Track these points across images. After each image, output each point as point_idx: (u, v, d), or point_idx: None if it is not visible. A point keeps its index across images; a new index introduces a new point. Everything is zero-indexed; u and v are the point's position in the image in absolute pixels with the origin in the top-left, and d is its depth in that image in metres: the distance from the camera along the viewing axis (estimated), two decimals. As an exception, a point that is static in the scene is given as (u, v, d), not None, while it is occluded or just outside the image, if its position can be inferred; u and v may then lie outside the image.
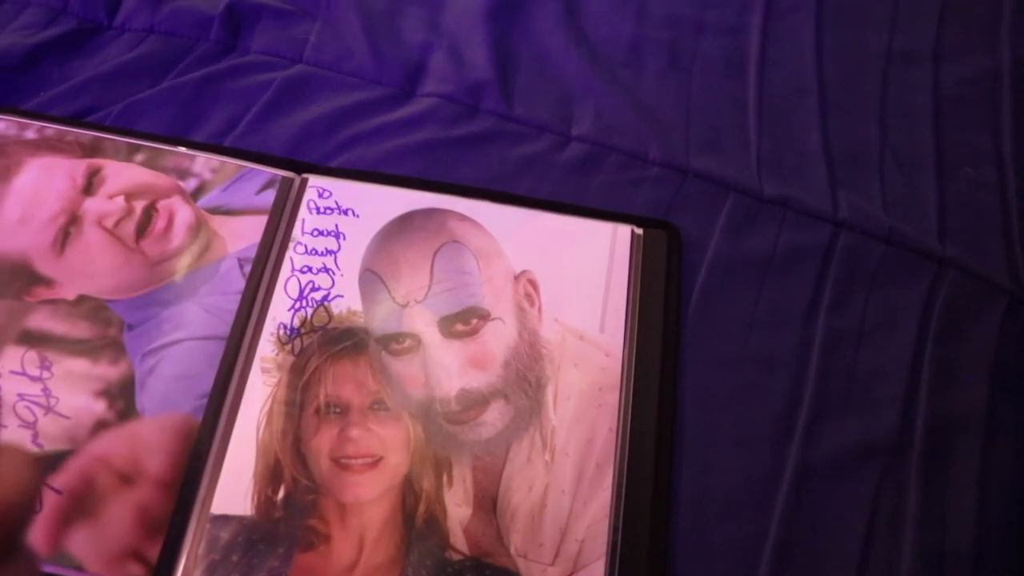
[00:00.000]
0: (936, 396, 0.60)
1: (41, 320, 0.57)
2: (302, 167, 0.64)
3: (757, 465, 0.58)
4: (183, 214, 0.61)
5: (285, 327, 0.58)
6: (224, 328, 0.58)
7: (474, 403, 0.57)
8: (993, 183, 0.71)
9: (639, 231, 0.64)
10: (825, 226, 0.66)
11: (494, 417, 0.57)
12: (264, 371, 0.57)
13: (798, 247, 0.65)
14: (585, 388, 0.58)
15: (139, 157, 0.63)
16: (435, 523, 0.54)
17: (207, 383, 0.56)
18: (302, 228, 0.62)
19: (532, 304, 0.60)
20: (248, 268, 0.60)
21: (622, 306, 0.61)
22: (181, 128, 0.67)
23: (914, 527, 0.56)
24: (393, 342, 0.58)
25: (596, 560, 0.53)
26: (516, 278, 0.61)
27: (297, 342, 0.58)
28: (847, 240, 0.66)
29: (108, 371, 0.56)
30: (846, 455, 0.58)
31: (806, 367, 0.61)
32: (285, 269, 0.60)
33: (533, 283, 0.61)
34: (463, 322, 0.59)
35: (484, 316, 0.59)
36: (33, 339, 0.57)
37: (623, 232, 0.63)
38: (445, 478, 0.55)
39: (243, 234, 0.61)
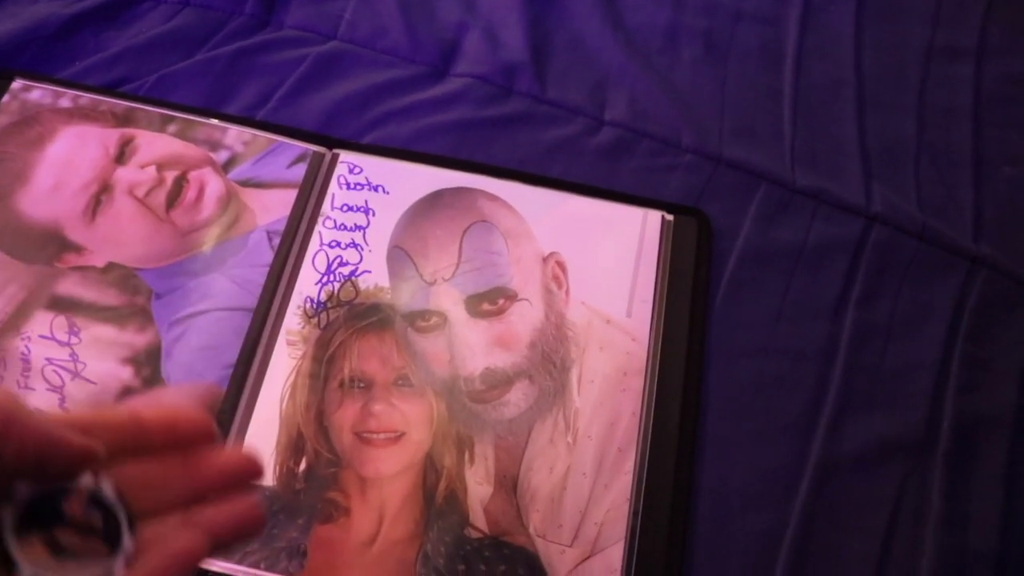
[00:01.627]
0: (964, 395, 0.61)
1: (71, 286, 0.58)
2: (333, 143, 0.65)
3: (779, 457, 0.58)
4: (214, 185, 0.62)
5: (312, 301, 0.59)
6: (251, 300, 0.59)
7: (498, 382, 0.58)
8: (1032, 182, 0.71)
9: (669, 217, 0.64)
10: (858, 220, 0.67)
11: (518, 397, 0.57)
12: (290, 344, 0.58)
13: (829, 240, 0.66)
14: (610, 372, 0.59)
15: (171, 128, 0.64)
16: (455, 500, 0.55)
17: (232, 354, 0.57)
18: (332, 203, 0.62)
19: (560, 286, 0.61)
20: (277, 241, 0.60)
21: (650, 292, 0.61)
22: (214, 101, 0.68)
23: (936, 526, 0.56)
24: (419, 319, 0.59)
25: (614, 544, 0.54)
26: (544, 260, 0.62)
27: (323, 316, 0.59)
28: (879, 235, 0.66)
29: (135, 338, 0.57)
30: (870, 451, 0.59)
31: (833, 361, 0.61)
32: (314, 243, 0.61)
33: (561, 265, 0.62)
34: (490, 301, 0.60)
35: (511, 296, 0.60)
36: (62, 305, 0.58)
37: (653, 218, 0.64)
38: (467, 456, 0.56)
39: (273, 207, 0.62)
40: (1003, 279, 0.65)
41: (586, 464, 0.56)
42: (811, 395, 0.60)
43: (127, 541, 0.31)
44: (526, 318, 0.60)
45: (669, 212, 0.65)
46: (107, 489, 0.31)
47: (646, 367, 0.59)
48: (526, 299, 0.60)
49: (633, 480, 0.56)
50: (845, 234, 0.66)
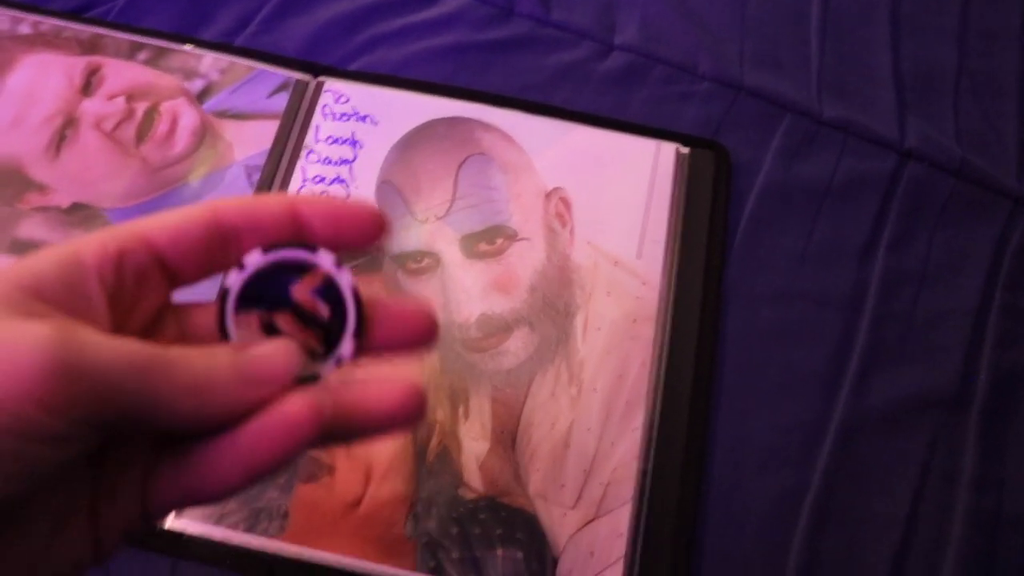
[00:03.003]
0: (1002, 348, 0.55)
1: (33, 228, 0.53)
2: (318, 69, 0.59)
3: (801, 413, 0.53)
4: (188, 117, 0.56)
5: (294, 242, 0.53)
6: (228, 240, 0.53)
7: (496, 329, 0.52)
8: (1081, 115, 0.64)
9: (685, 150, 0.58)
10: (890, 155, 0.60)
11: (517, 346, 0.52)
12: (269, 289, 0.52)
13: (859, 176, 0.59)
14: (618, 318, 0.53)
15: (142, 56, 0.58)
16: (448, 458, 0.49)
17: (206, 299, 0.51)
18: (316, 135, 0.56)
19: (564, 225, 0.55)
20: (256, 177, 0.55)
21: (663, 231, 0.55)
22: (188, 26, 0.61)
23: (969, 488, 0.51)
24: (410, 261, 0.53)
25: (622, 506, 0.49)
26: (547, 196, 0.56)
27: (306, 258, 0.53)
28: (913, 171, 0.59)
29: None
30: (899, 407, 0.53)
31: (861, 308, 0.55)
32: (296, 179, 0.55)
33: (566, 202, 0.56)
34: (487, 241, 0.54)
35: (510, 236, 0.54)
36: (24, 248, 0.52)
37: (667, 151, 0.58)
38: (461, 410, 0.50)
39: (252, 140, 0.56)
40: (1048, 221, 0.59)
41: (591, 419, 0.50)
42: (836, 346, 0.54)
43: (347, 345, 0.29)
44: (526, 259, 0.54)
45: (684, 144, 0.58)
46: (345, 280, 0.29)
47: (657, 313, 0.53)
48: (526, 239, 0.54)
49: (642, 437, 0.50)
50: (876, 170, 0.59)
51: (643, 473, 0.49)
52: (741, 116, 0.61)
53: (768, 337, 0.55)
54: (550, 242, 0.54)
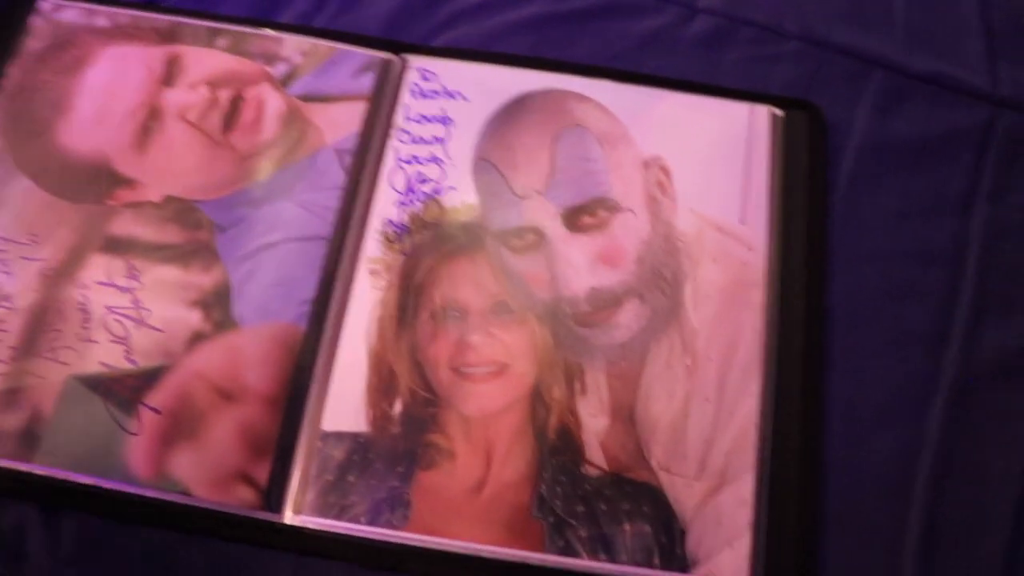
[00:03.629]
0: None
1: (126, 225, 0.50)
2: (401, 47, 0.56)
3: (913, 369, 0.50)
4: (273, 102, 0.53)
5: (393, 224, 0.50)
6: (325, 227, 0.50)
7: (606, 303, 0.49)
8: None
9: (779, 112, 0.55)
10: (983, 105, 0.57)
11: (629, 318, 0.49)
12: (372, 273, 0.49)
13: (953, 129, 0.56)
14: (726, 285, 0.50)
15: (221, 42, 0.55)
16: (568, 435, 0.47)
17: (309, 288, 0.49)
18: (406, 114, 0.53)
19: (665, 193, 0.52)
20: (348, 160, 0.52)
21: (764, 195, 0.52)
22: (265, 10, 0.58)
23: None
24: (514, 238, 0.50)
25: (744, 473, 0.46)
26: (646, 165, 0.53)
27: (407, 240, 0.50)
28: (1009, 120, 0.56)
29: (201, 278, 0.49)
30: (1011, 360, 0.50)
31: (964, 262, 0.53)
32: (389, 160, 0.52)
33: (665, 170, 0.53)
34: (590, 214, 0.51)
35: (613, 208, 0.51)
36: (119, 246, 0.50)
37: (761, 113, 0.55)
38: (577, 386, 0.48)
39: (340, 123, 0.53)
40: None
41: (708, 388, 0.48)
42: (943, 301, 0.52)
43: None
44: (631, 230, 0.51)
45: (776, 106, 0.55)
46: None
47: (765, 278, 0.50)
48: (629, 209, 0.51)
49: (760, 403, 0.47)
50: (970, 122, 0.56)
51: (763, 439, 0.47)
52: (831, 75, 0.58)
53: (874, 295, 0.52)
54: (653, 211, 0.51)
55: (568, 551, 0.45)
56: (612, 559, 0.44)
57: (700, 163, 0.53)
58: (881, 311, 0.51)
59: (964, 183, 0.55)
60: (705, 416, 0.47)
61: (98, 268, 0.49)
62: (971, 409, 0.49)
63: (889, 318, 0.51)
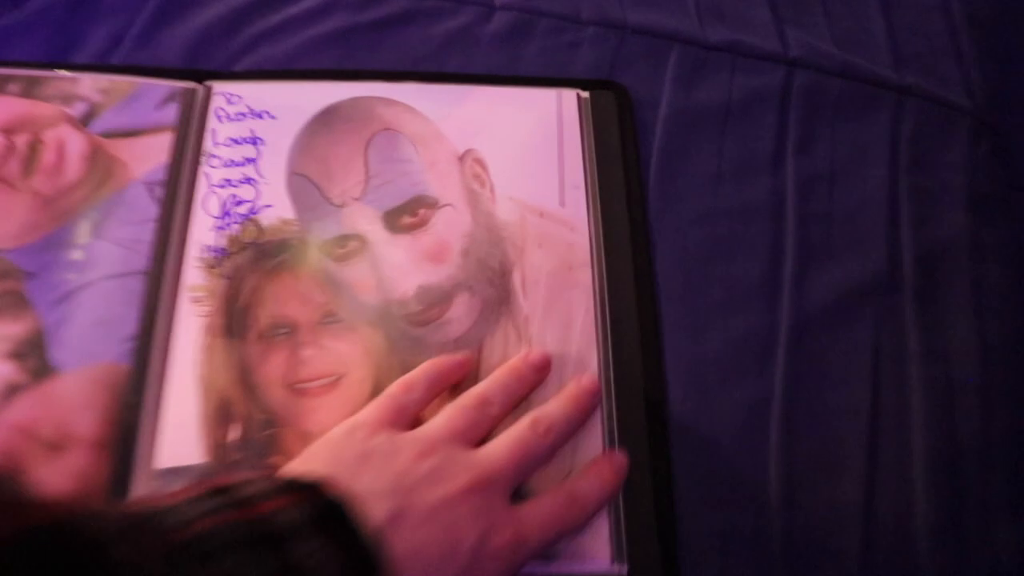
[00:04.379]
0: (918, 228, 0.53)
1: (-72, 282, 0.46)
2: (203, 75, 0.53)
3: (750, 323, 0.49)
4: (75, 142, 0.49)
5: (212, 249, 0.47)
6: (142, 261, 0.47)
7: (436, 300, 0.47)
8: (937, 5, 0.63)
9: (585, 94, 0.54)
10: (778, 67, 0.57)
11: (461, 312, 0.47)
12: (195, 301, 0.46)
13: (753, 92, 0.56)
14: (554, 268, 0.48)
15: (13, 88, 0.51)
16: (414, 436, 0.44)
17: (131, 324, 0.45)
18: (214, 139, 0.50)
19: (483, 184, 0.50)
20: (160, 191, 0.48)
21: (580, 175, 0.51)
22: (58, 52, 0.54)
23: (918, 364, 0.49)
24: (336, 247, 0.48)
25: (593, 452, 0.44)
26: (461, 159, 0.51)
27: (228, 263, 0.47)
28: (802, 79, 0.57)
29: (11, 328, 0.44)
30: (840, 300, 0.50)
31: (783, 214, 0.53)
32: (201, 186, 0.49)
33: (480, 162, 0.51)
34: (410, 213, 0.49)
35: (432, 204, 0.49)
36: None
37: (568, 97, 0.53)
38: (417, 386, 0.45)
39: (148, 155, 0.49)
40: (932, 106, 0.57)
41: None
42: (768, 253, 0.51)
43: None
44: (453, 225, 0.49)
45: (582, 89, 0.54)
46: None
47: (592, 256, 0.49)
48: (449, 204, 0.49)
49: (600, 381, 0.46)
50: (768, 84, 0.56)
51: (608, 417, 0.45)
52: (631, 55, 0.57)
53: (703, 257, 0.51)
54: (473, 204, 0.50)
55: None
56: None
57: (514, 151, 0.51)
58: (710, 270, 0.50)
59: (772, 140, 0.55)
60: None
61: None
62: (810, 353, 0.48)
63: (719, 276, 0.50)
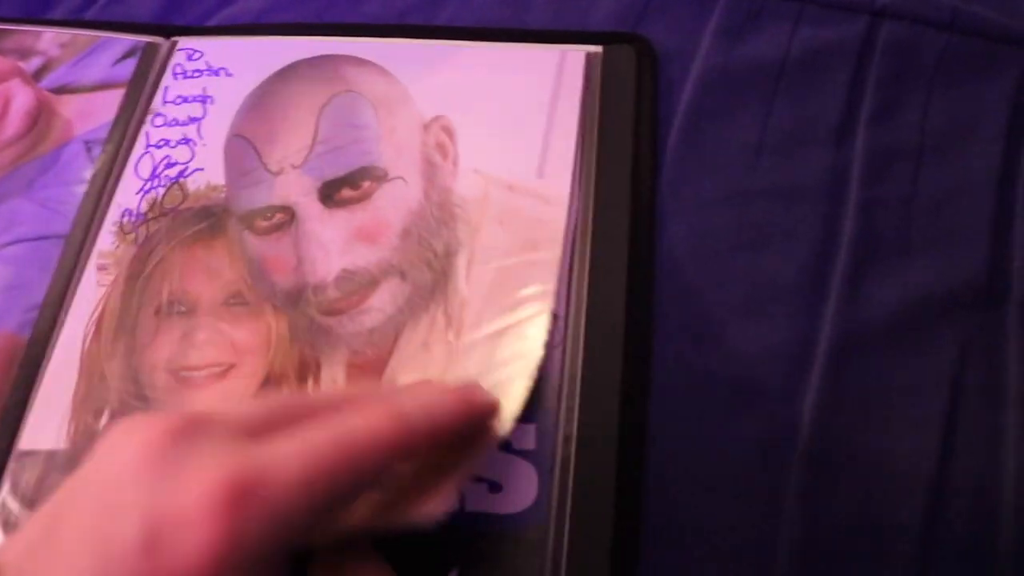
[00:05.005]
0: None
1: None
2: (172, 31, 0.46)
3: (777, 336, 0.36)
4: (21, 98, 0.44)
5: (131, 213, 0.41)
6: (65, 224, 0.41)
7: (358, 286, 0.37)
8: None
9: (596, 50, 0.43)
10: (858, 18, 0.43)
11: (384, 300, 0.37)
12: (100, 269, 0.40)
13: (821, 46, 0.42)
14: (512, 247, 0.38)
15: (-24, 43, 0.47)
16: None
17: (40, 292, 0.40)
18: (164, 97, 0.44)
19: (445, 156, 0.40)
20: (98, 151, 0.43)
21: (571, 142, 0.40)
22: (36, 7, 0.50)
23: (1018, 406, 0.34)
24: (259, 219, 0.39)
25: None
26: (426, 127, 0.41)
27: (143, 230, 0.40)
28: (892, 33, 0.42)
29: (-80, 289, 0.40)
30: (909, 311, 0.36)
31: (842, 197, 0.39)
32: (139, 146, 0.43)
33: (447, 130, 0.41)
34: (351, 186, 0.39)
35: (379, 177, 0.40)
36: None
37: (574, 56, 0.42)
38: (310, 381, 0.36)
39: (94, 112, 0.44)
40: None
41: (473, 366, 0.35)
42: (814, 245, 0.38)
43: None
44: (399, 200, 0.39)
45: (597, 44, 0.43)
46: None
47: (566, 232, 0.38)
48: (399, 177, 0.40)
49: (560, 386, 0.35)
50: (842, 37, 0.42)
51: (555, 445, 0.34)
52: (666, 2, 0.45)
53: (725, 246, 0.38)
54: (428, 177, 0.40)
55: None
56: None
57: (493, 117, 0.41)
58: (734, 264, 0.38)
59: (839, 106, 0.41)
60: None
61: None
62: (856, 381, 0.35)
63: (743, 273, 0.38)
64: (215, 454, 0.23)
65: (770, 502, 0.33)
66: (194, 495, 0.22)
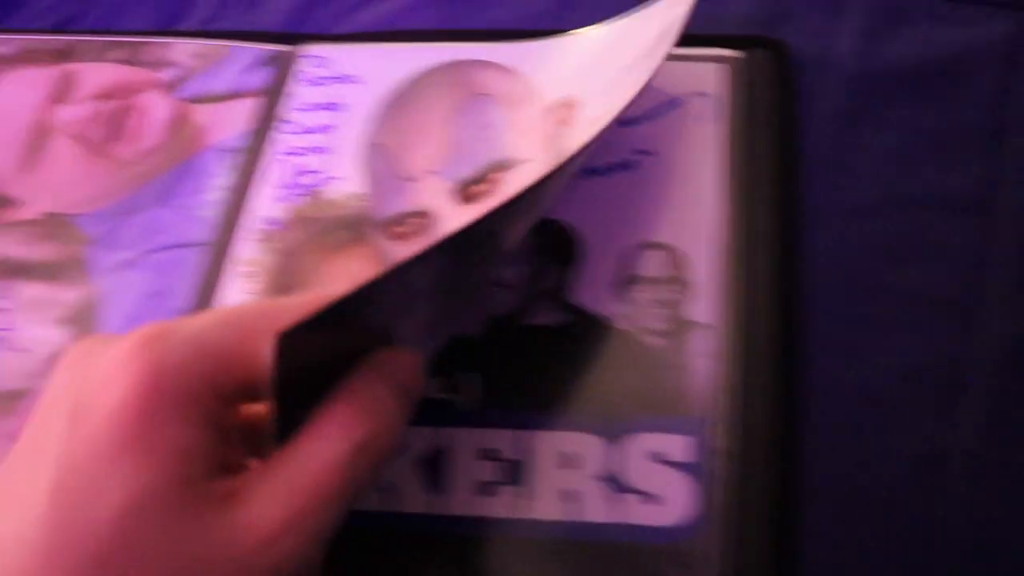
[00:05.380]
0: None
1: (5, 245, 0.42)
2: (300, 39, 0.46)
3: (927, 352, 0.34)
4: (159, 109, 0.44)
5: (270, 221, 0.40)
6: (204, 231, 0.40)
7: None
8: None
9: (729, 53, 0.41)
10: (1005, 15, 0.41)
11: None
12: (246, 276, 0.39)
13: (968, 46, 0.40)
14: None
15: (116, 54, 0.47)
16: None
17: (184, 297, 0.39)
18: (293, 104, 0.43)
19: (567, 124, 0.39)
20: (233, 159, 0.42)
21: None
22: (166, 20, 0.49)
23: None
24: (396, 225, 0.39)
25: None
26: (550, 109, 0.40)
27: (285, 237, 0.40)
28: (1043, 29, 0.40)
29: (67, 294, 0.40)
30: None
31: (995, 207, 0.37)
32: (274, 154, 0.42)
33: (569, 105, 0.39)
34: (483, 181, 0.39)
35: (507, 167, 0.39)
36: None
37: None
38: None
39: (230, 121, 0.43)
40: None
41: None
42: (970, 256, 0.36)
43: None
44: (525, 179, 0.38)
45: (730, 48, 0.41)
46: None
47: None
48: (526, 160, 0.39)
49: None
50: (990, 36, 0.41)
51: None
52: (799, 2, 0.43)
53: (873, 257, 0.37)
54: (549, 149, 0.39)
55: None
56: None
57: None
58: (883, 275, 0.36)
59: (988, 110, 0.39)
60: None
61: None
62: (1016, 398, 0.33)
63: (895, 284, 0.36)
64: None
65: (926, 522, 0.32)
66: (109, 357, 0.23)
